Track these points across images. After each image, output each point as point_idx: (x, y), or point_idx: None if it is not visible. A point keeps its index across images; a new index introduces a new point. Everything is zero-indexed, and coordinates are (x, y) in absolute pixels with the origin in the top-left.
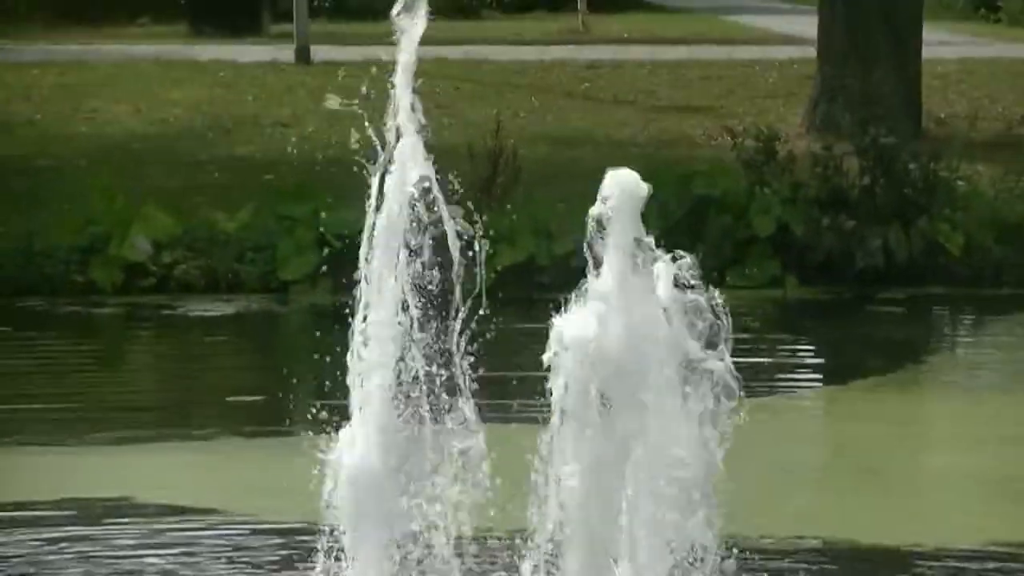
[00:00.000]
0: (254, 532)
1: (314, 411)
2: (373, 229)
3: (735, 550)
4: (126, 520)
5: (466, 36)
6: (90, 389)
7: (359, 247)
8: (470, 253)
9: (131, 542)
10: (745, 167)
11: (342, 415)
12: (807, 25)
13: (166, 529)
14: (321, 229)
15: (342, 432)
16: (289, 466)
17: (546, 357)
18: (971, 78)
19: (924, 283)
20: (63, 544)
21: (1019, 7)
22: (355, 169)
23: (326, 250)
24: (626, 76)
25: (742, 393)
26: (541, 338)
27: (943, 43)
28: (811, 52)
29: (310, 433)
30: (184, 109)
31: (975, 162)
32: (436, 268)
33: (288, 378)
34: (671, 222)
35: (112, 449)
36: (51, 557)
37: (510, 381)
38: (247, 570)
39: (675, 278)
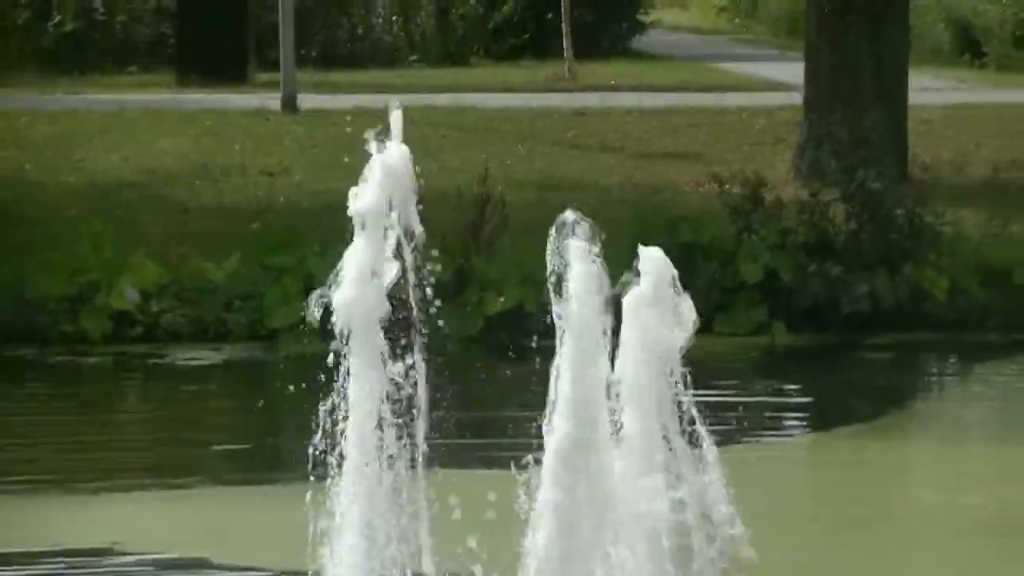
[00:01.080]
0: None
1: (300, 460)
2: None
3: None
4: (105, 569)
5: (453, 83)
6: (77, 438)
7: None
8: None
9: None
10: (732, 214)
11: (327, 464)
12: (793, 72)
13: None
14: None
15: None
16: (274, 515)
17: None
18: (957, 123)
19: (910, 329)
20: None
21: (1004, 52)
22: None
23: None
24: (613, 123)
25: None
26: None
27: (928, 89)
28: (798, 99)
29: (296, 482)
30: (172, 158)
31: (961, 207)
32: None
33: (275, 427)
34: None
35: (96, 498)
36: None
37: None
38: None
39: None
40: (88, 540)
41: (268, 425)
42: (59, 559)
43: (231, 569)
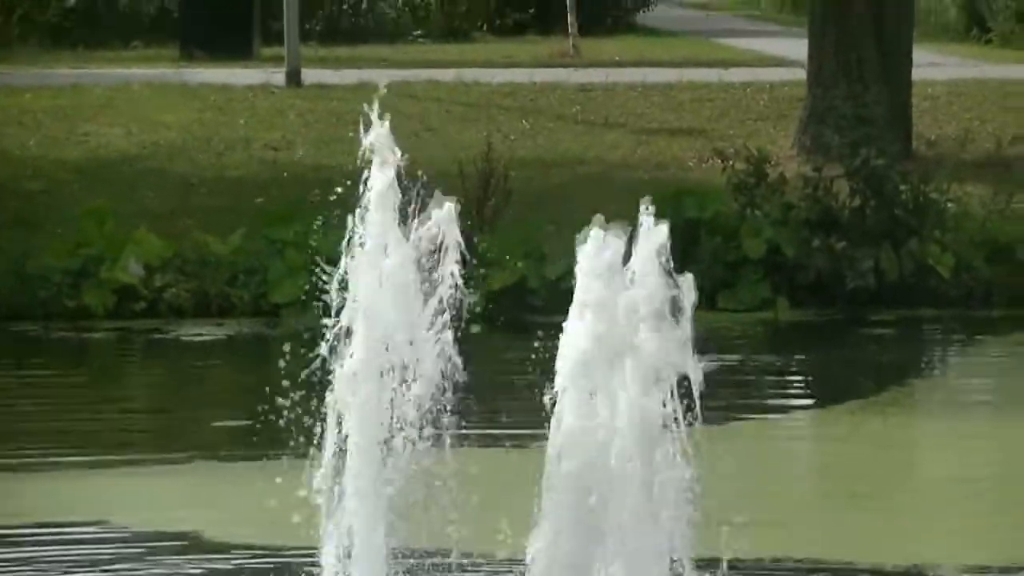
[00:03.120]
0: (226, 557)
1: (298, 436)
2: None
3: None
4: (98, 542)
5: (457, 59)
6: (77, 414)
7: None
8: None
9: (97, 564)
10: (735, 189)
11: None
12: (797, 47)
13: (135, 553)
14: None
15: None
16: (270, 491)
17: None
18: (961, 99)
19: (915, 304)
20: (26, 568)
21: (1010, 28)
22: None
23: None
24: (617, 99)
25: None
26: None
27: (933, 64)
28: (801, 74)
29: (294, 459)
30: (176, 132)
31: (965, 183)
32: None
33: (275, 403)
34: None
35: (93, 472)
36: None
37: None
38: None
39: None
40: (83, 513)
41: (268, 401)
42: (53, 531)
43: (223, 545)
